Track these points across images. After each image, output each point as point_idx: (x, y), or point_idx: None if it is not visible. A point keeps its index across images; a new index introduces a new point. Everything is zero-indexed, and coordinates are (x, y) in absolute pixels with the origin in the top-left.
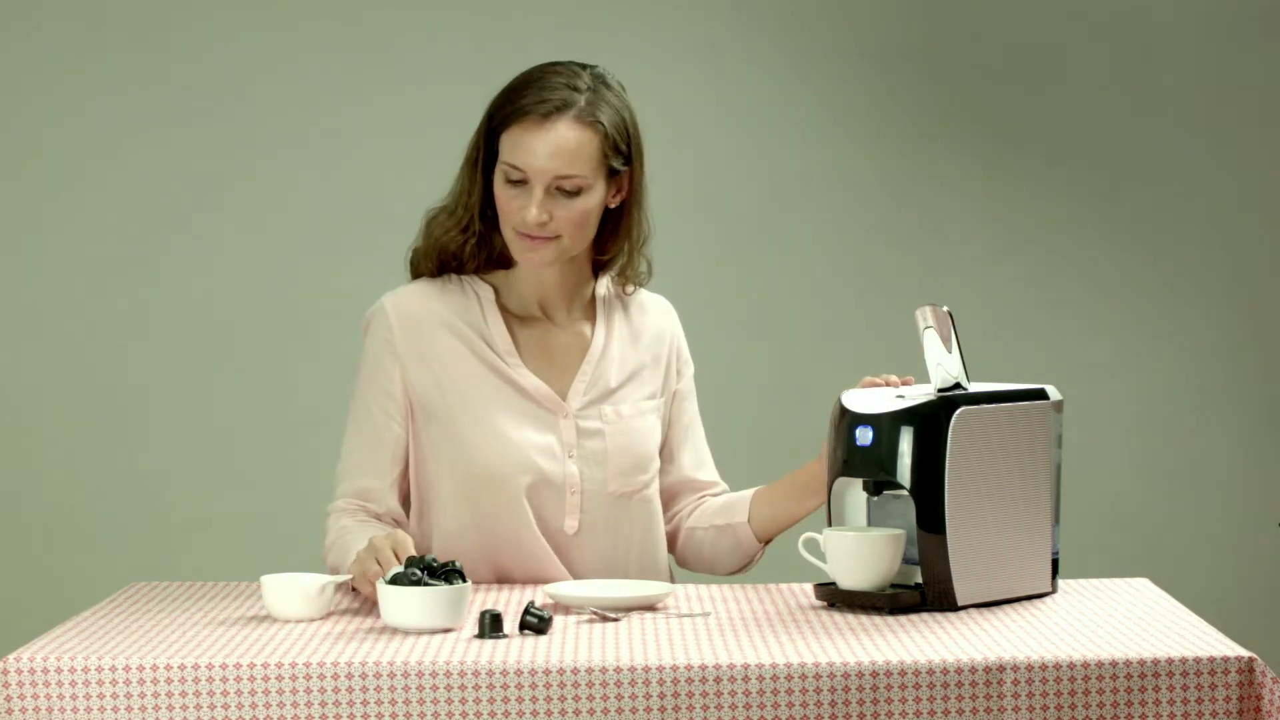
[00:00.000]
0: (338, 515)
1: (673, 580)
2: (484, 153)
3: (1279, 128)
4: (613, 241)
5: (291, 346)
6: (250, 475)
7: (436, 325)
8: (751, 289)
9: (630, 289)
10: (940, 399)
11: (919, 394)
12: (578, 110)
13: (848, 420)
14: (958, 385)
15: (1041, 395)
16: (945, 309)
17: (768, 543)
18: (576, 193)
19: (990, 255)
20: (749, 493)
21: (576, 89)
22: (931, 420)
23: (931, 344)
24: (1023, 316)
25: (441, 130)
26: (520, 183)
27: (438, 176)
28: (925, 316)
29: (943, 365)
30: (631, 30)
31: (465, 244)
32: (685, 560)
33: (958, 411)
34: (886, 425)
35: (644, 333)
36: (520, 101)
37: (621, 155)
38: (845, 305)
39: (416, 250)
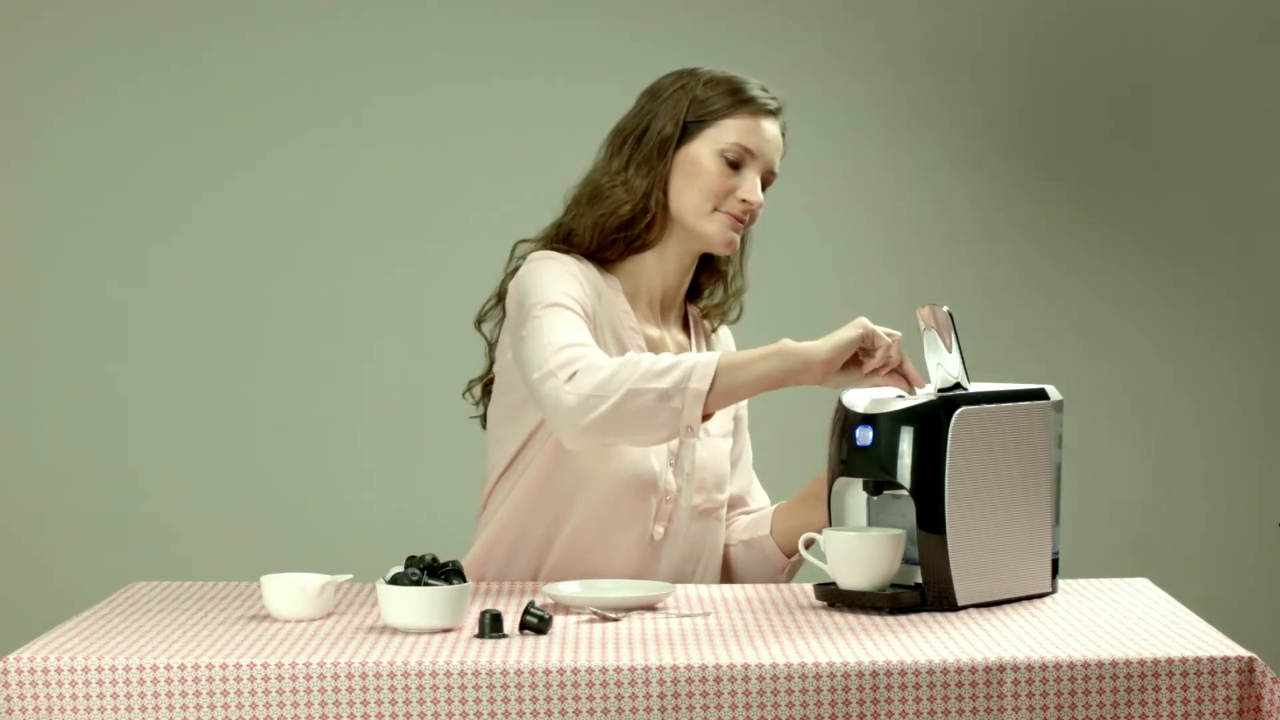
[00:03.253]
0: (607, 359)
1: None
2: (678, 137)
3: (1279, 128)
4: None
5: (292, 346)
6: (250, 475)
7: (593, 292)
8: (751, 288)
9: (713, 321)
10: (940, 399)
11: (919, 394)
12: (782, 117)
13: (848, 420)
14: (958, 385)
15: (1041, 395)
16: (945, 309)
17: (795, 555)
18: (768, 185)
19: (990, 255)
20: (772, 508)
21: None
22: (931, 420)
23: (932, 344)
24: (1023, 316)
25: (442, 130)
26: (736, 166)
27: (438, 176)
28: (925, 316)
29: (943, 365)
30: (633, 30)
31: (635, 220)
32: (720, 578)
33: (958, 411)
34: (886, 425)
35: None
36: (752, 92)
37: None
38: (846, 305)
39: (569, 225)
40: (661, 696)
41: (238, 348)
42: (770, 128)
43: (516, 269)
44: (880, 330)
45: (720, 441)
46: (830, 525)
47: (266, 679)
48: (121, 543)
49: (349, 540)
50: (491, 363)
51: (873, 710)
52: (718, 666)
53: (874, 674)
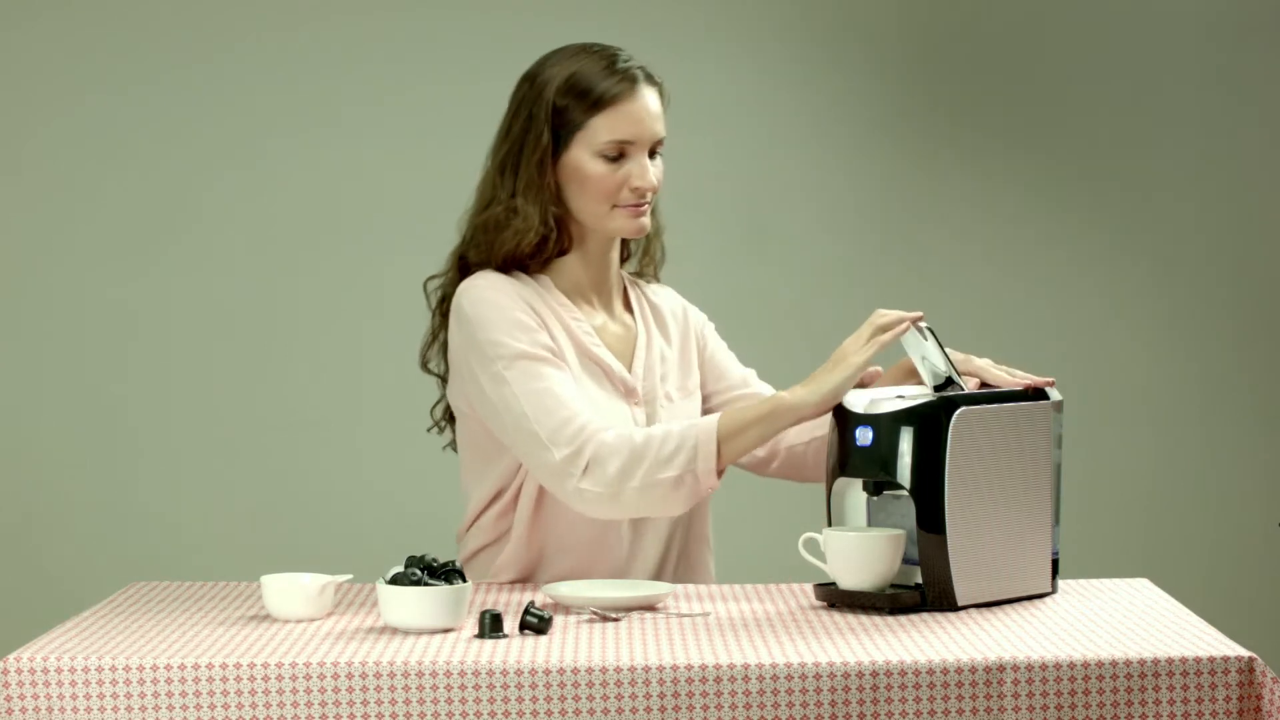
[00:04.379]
0: (612, 438)
1: (713, 571)
2: (552, 149)
3: (1279, 128)
4: None
5: (292, 346)
6: (250, 475)
7: (533, 299)
8: (752, 288)
9: (648, 276)
10: (940, 399)
11: (918, 394)
12: (647, 76)
13: (848, 420)
14: (950, 381)
15: (1041, 395)
16: (921, 323)
17: None
18: (659, 154)
19: (990, 255)
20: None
21: (632, 58)
22: (931, 420)
23: (912, 341)
24: (1023, 316)
25: (442, 130)
26: (619, 157)
27: (438, 176)
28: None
29: (928, 359)
30: (635, 31)
31: (544, 242)
32: (788, 475)
33: (958, 411)
34: (886, 425)
35: (665, 318)
36: (609, 79)
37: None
38: (846, 305)
39: (478, 259)
40: (661, 696)
41: (238, 348)
42: (639, 103)
43: (444, 306)
44: (873, 349)
45: (683, 405)
46: (830, 525)
47: (266, 679)
48: (121, 543)
49: (349, 540)
50: (445, 396)
51: (873, 710)
52: (718, 666)
53: (874, 674)
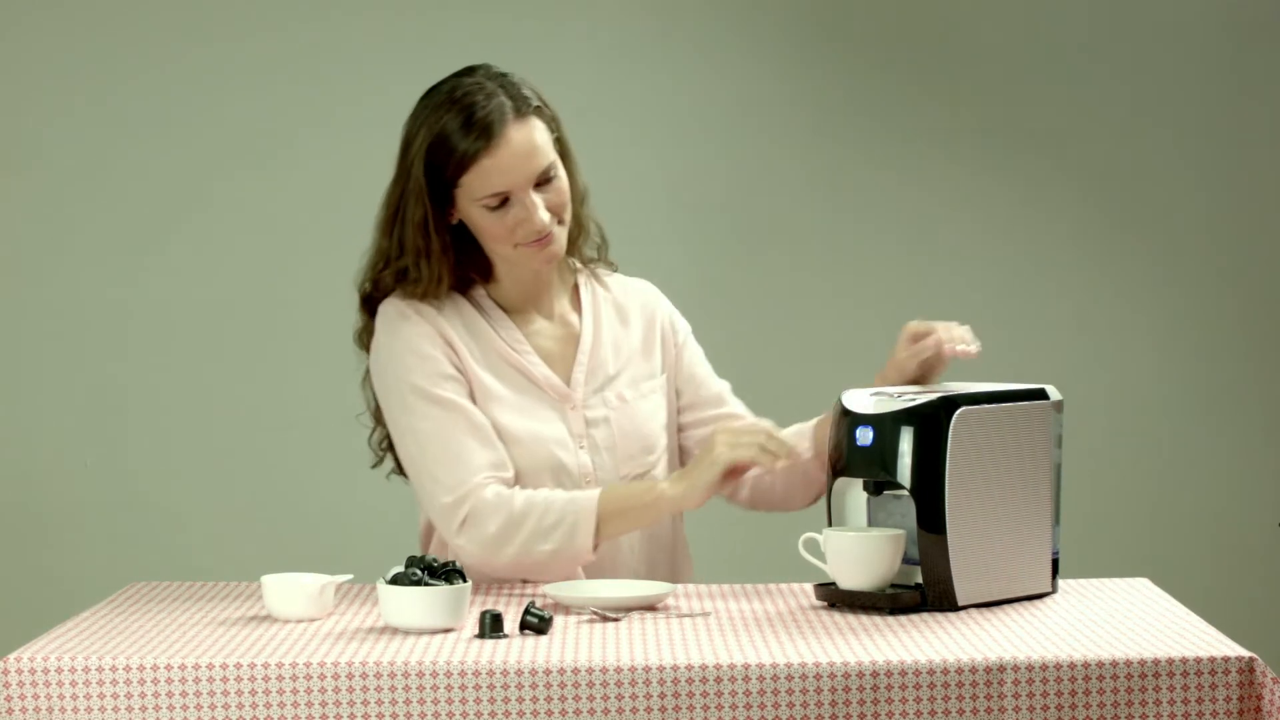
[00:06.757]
0: (492, 496)
1: (688, 558)
2: (433, 207)
3: (1279, 128)
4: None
5: (292, 346)
6: (250, 475)
7: (451, 316)
8: (748, 288)
9: (597, 264)
10: (940, 399)
11: (919, 394)
12: (513, 110)
13: (848, 420)
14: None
15: (1041, 395)
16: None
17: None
18: (551, 178)
19: (990, 254)
20: (809, 426)
21: (492, 94)
22: (932, 420)
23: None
24: (1022, 316)
25: None
26: (503, 204)
27: None
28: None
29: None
30: (619, 31)
31: (458, 281)
32: (755, 503)
33: (958, 411)
34: (887, 425)
35: (631, 314)
36: (465, 139)
37: (555, 123)
38: (844, 304)
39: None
40: (662, 696)
41: (238, 347)
42: (502, 152)
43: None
44: (745, 453)
45: (638, 404)
46: (830, 525)
47: (266, 679)
48: (121, 542)
49: (349, 540)
50: (381, 425)
51: (873, 710)
52: (718, 666)
53: (874, 674)
